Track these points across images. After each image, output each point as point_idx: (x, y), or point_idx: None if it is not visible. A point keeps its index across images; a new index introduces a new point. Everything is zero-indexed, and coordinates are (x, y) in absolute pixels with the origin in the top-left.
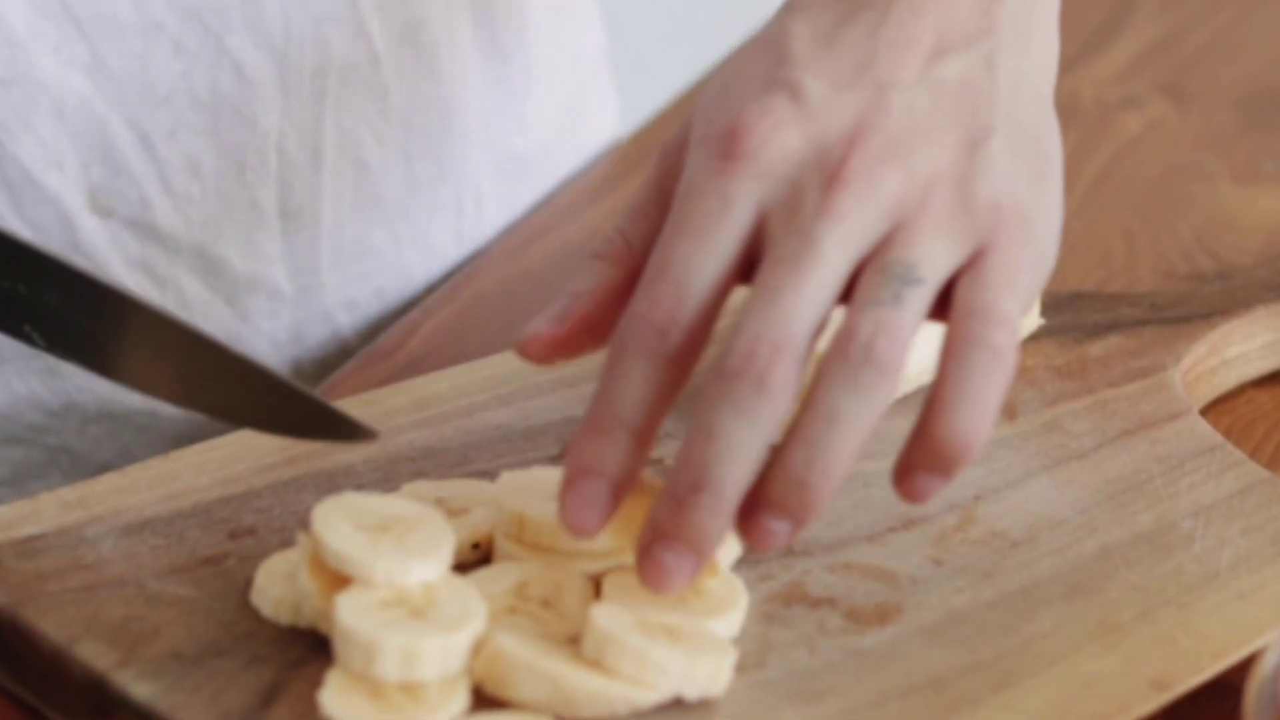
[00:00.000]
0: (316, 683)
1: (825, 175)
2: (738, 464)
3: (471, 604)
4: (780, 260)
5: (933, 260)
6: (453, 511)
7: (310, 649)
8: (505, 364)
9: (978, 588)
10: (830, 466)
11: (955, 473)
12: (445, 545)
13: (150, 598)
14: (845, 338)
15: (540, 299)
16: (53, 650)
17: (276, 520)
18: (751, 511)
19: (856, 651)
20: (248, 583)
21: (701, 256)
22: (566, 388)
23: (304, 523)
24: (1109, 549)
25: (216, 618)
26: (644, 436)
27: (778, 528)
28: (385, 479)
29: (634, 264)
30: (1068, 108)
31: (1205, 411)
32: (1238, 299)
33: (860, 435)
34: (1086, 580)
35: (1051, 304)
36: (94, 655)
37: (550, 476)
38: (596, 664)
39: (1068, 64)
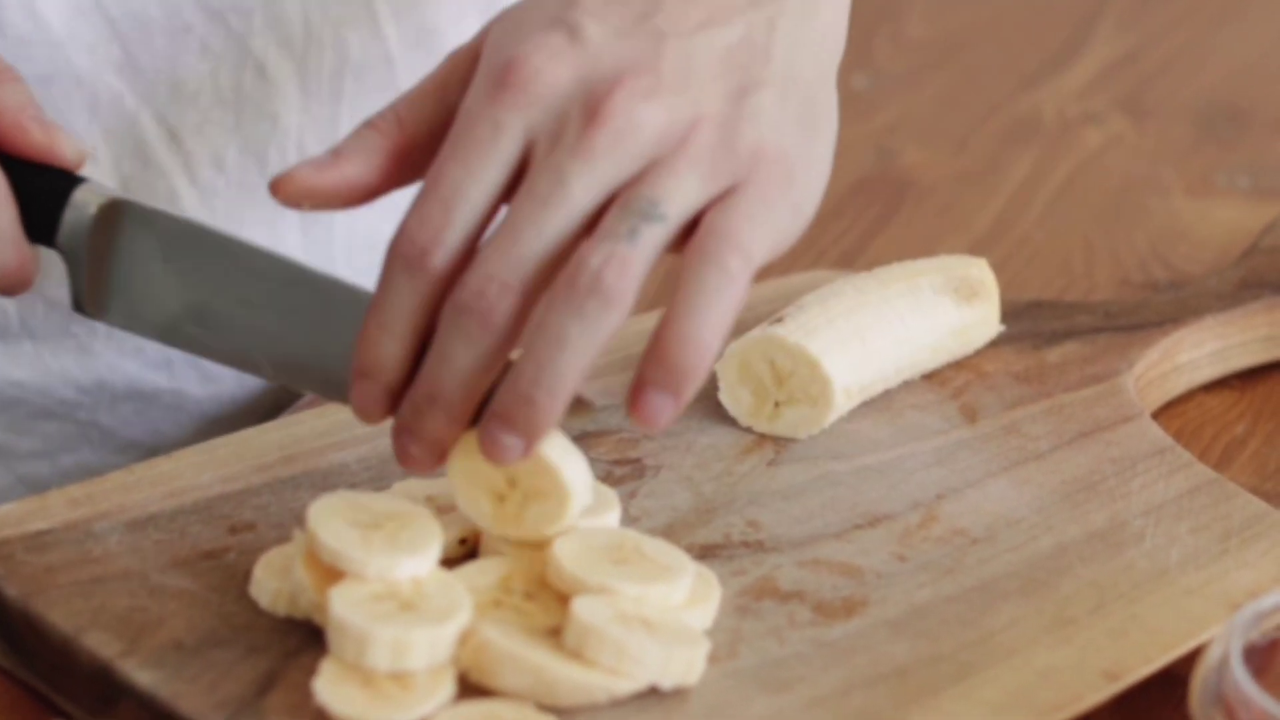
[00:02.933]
0: (311, 671)
1: (588, 110)
2: (462, 384)
3: (458, 597)
4: (531, 193)
5: (681, 196)
6: (442, 509)
7: (305, 639)
8: None
9: (939, 583)
10: (555, 386)
11: (684, 390)
12: (434, 542)
13: (154, 590)
14: (576, 267)
15: None
16: (61, 640)
17: (274, 516)
18: (486, 425)
19: (824, 643)
20: (246, 576)
21: (470, 180)
22: None
23: (300, 519)
24: (1064, 546)
25: (216, 609)
26: (409, 344)
27: (508, 442)
28: (378, 478)
29: (401, 141)
30: (1030, 123)
31: (1157, 415)
32: (1189, 308)
33: (584, 359)
34: (1043, 576)
35: (1011, 312)
36: (100, 645)
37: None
38: (577, 654)
39: (1031, 80)
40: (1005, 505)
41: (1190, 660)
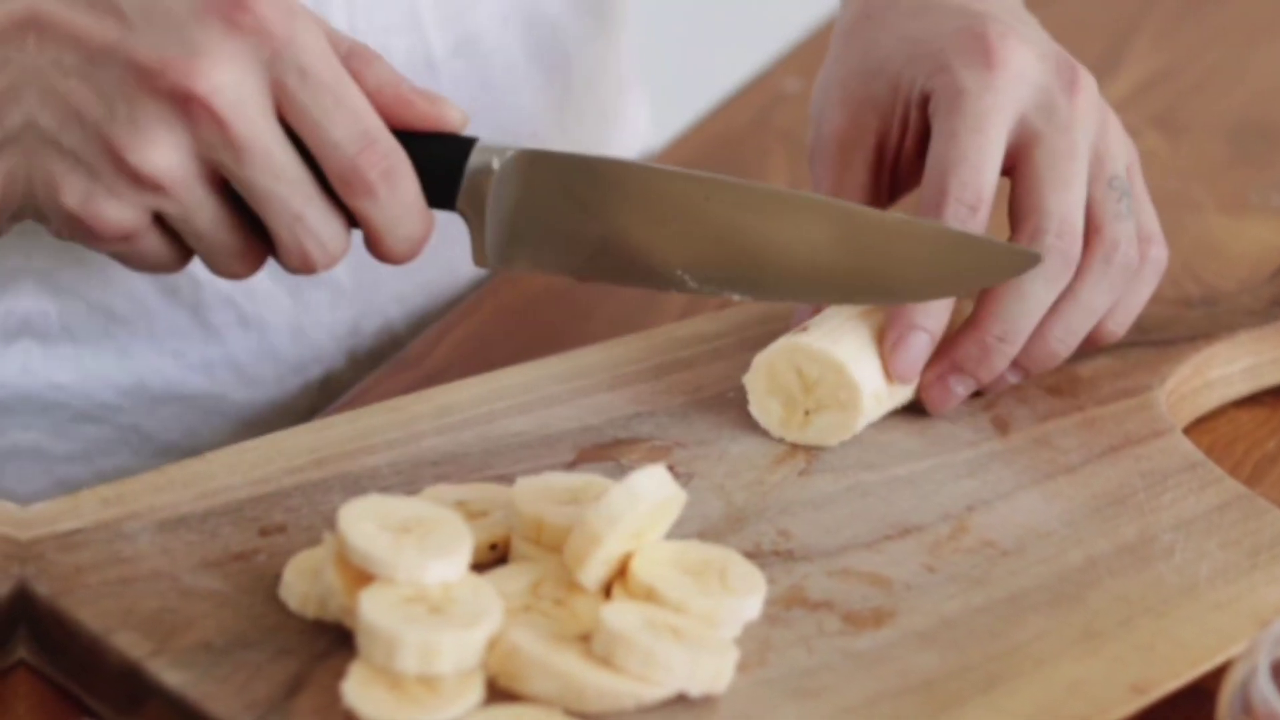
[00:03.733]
0: (340, 674)
1: (1065, 85)
2: (1034, 322)
3: (488, 602)
4: (1058, 154)
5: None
6: (472, 514)
7: (334, 642)
8: (525, 374)
9: (968, 594)
10: (1073, 343)
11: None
12: (464, 546)
13: (184, 591)
14: (1109, 247)
15: (561, 311)
16: (90, 639)
17: (305, 519)
18: (1012, 369)
19: (852, 653)
20: (276, 578)
21: (995, 146)
22: (583, 397)
23: (331, 522)
24: (1094, 559)
25: (246, 611)
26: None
27: (1013, 378)
28: (408, 482)
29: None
30: None
31: (1188, 430)
32: (1221, 323)
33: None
34: (1072, 589)
35: None
36: (129, 645)
37: (565, 482)
38: (606, 661)
39: None
40: (1035, 518)
41: (1218, 675)
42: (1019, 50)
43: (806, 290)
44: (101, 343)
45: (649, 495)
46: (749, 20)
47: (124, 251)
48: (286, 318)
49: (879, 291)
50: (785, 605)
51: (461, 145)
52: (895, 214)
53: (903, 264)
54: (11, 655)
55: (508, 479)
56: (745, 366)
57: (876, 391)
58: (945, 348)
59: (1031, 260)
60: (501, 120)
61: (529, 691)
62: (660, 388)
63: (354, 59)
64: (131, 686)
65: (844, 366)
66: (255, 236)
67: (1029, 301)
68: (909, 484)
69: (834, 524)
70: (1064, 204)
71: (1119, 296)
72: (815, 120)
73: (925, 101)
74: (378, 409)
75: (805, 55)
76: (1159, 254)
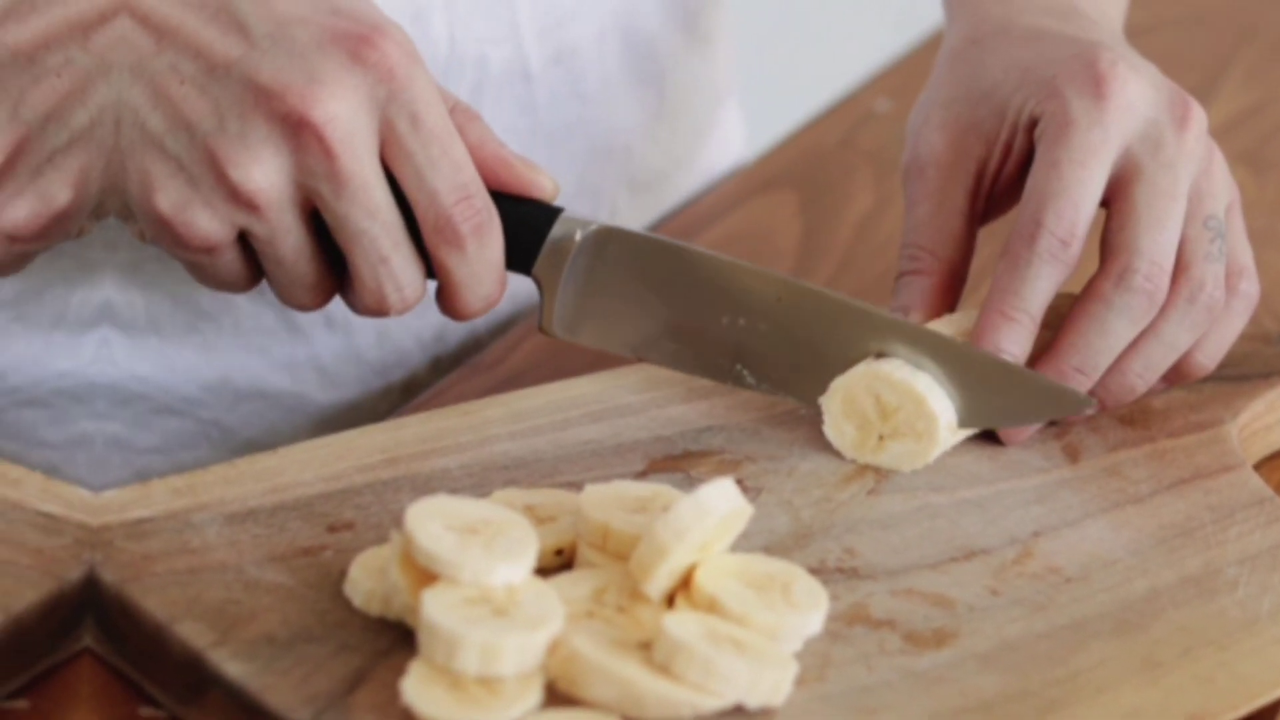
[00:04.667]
0: (400, 672)
1: (1175, 120)
2: (1112, 357)
3: (551, 606)
4: (1158, 193)
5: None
6: (540, 519)
7: (397, 640)
8: (600, 383)
9: (1031, 619)
10: (1152, 379)
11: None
12: (530, 549)
13: (249, 583)
14: (1195, 287)
15: None
16: (154, 627)
17: (373, 517)
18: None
19: (912, 672)
20: (342, 574)
21: (1092, 180)
22: (656, 409)
23: (398, 521)
24: (1158, 590)
25: (310, 606)
26: (1036, 325)
27: (1093, 404)
28: (479, 485)
29: (944, 272)
30: None
31: (1258, 466)
32: None
33: (1178, 355)
34: (1134, 618)
35: None
36: (193, 634)
37: (633, 491)
38: (666, 670)
39: None
40: (1101, 546)
41: (1275, 708)
42: (1131, 81)
43: None
44: (186, 337)
45: (717, 509)
46: (843, 39)
47: (200, 263)
48: (373, 321)
49: None
50: (847, 622)
51: (548, 213)
52: (966, 345)
53: (962, 392)
54: (78, 642)
55: (577, 486)
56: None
57: (952, 423)
58: None
59: (1083, 405)
60: (595, 134)
61: (588, 696)
62: (733, 403)
63: (458, 114)
64: (193, 676)
65: (924, 398)
66: (331, 271)
67: (1110, 338)
68: (977, 507)
69: (900, 544)
70: (1157, 245)
71: (1205, 332)
72: (912, 141)
73: (1032, 126)
74: (451, 411)
75: (897, 77)
76: (1249, 288)
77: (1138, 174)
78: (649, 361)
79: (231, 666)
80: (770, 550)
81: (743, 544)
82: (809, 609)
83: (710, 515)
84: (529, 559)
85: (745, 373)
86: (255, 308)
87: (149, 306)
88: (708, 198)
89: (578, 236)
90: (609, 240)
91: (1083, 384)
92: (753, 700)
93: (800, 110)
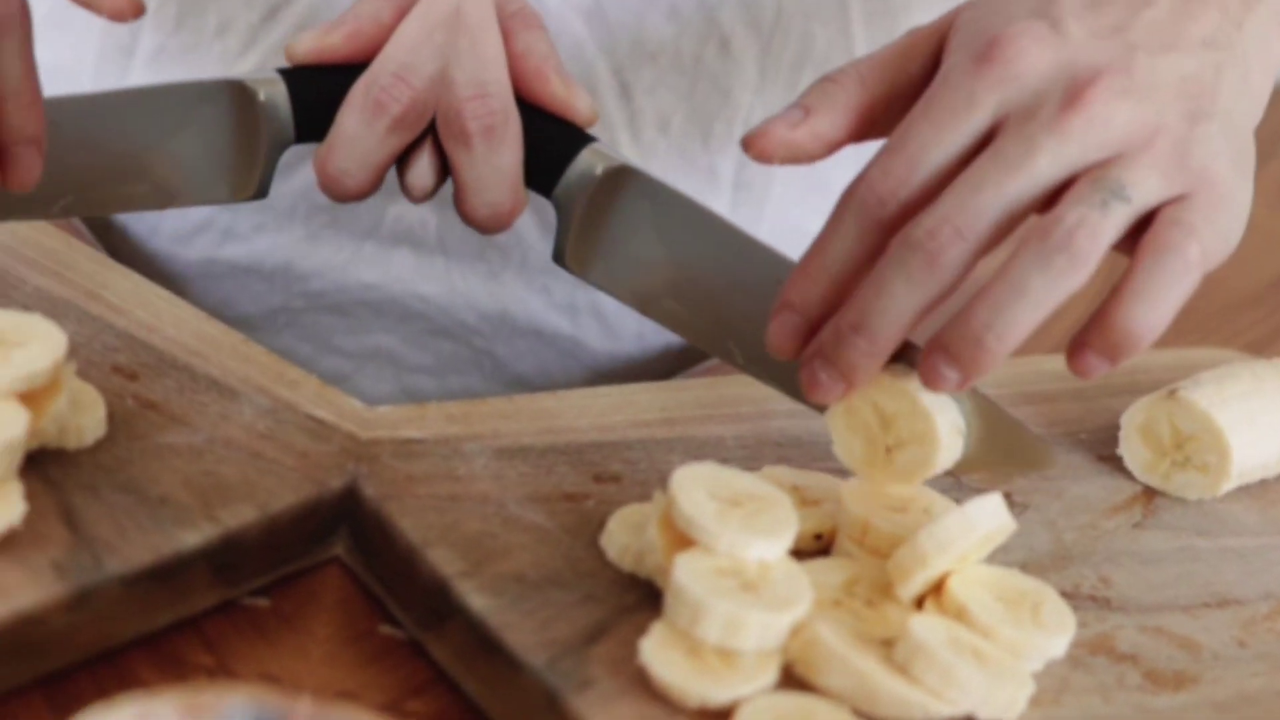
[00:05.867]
0: (641, 630)
1: (1066, 95)
2: (893, 321)
3: (801, 589)
4: (998, 155)
5: (1144, 187)
6: (805, 501)
7: (642, 598)
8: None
9: (1274, 675)
10: (1005, 333)
11: (1121, 360)
12: (789, 530)
13: (507, 519)
14: (1050, 223)
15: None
16: (407, 548)
17: (641, 474)
18: (929, 352)
19: (1148, 709)
20: (600, 525)
21: (937, 142)
22: None
23: (664, 481)
24: None
25: (564, 551)
26: (841, 285)
27: (947, 373)
28: (751, 457)
29: (864, 98)
30: None
31: None
32: None
33: (1040, 313)
34: None
35: None
36: (444, 561)
37: (897, 489)
38: (904, 670)
39: None
40: None
41: None
42: (1031, 52)
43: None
44: (473, 264)
45: (983, 525)
46: None
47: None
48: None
49: None
50: (1091, 650)
51: (578, 139)
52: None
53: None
54: (328, 551)
55: (847, 473)
56: (1103, 411)
57: (1240, 464)
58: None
59: (1046, 461)
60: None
61: (823, 684)
62: (1022, 415)
63: (516, 19)
64: (437, 602)
65: (1222, 432)
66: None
67: (885, 298)
68: (1239, 557)
69: (1157, 581)
70: (962, 207)
71: (1126, 289)
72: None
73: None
74: (736, 381)
75: None
76: (1192, 252)
77: (995, 141)
78: (648, 317)
79: (476, 599)
80: (1027, 568)
81: (1000, 557)
82: (1056, 631)
83: (976, 530)
84: (786, 539)
85: (736, 351)
86: (544, 245)
87: (440, 226)
88: None
89: (599, 170)
90: (629, 180)
91: (861, 346)
92: (986, 713)
93: None
